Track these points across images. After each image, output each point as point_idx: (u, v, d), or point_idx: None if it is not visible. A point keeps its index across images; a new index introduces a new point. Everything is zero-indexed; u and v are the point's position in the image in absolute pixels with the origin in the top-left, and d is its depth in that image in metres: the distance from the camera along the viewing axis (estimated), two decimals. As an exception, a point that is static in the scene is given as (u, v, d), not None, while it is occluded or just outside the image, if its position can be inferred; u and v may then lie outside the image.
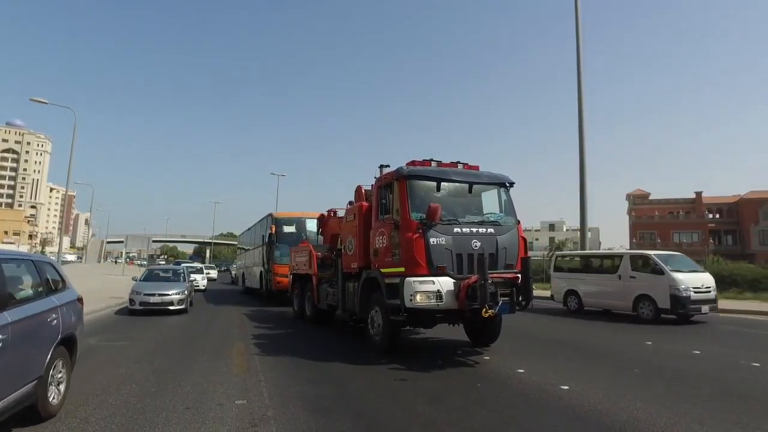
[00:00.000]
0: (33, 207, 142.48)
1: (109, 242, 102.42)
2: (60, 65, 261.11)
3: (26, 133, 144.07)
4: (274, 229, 16.74)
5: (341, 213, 12.19)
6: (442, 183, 7.71)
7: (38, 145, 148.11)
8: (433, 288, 6.92)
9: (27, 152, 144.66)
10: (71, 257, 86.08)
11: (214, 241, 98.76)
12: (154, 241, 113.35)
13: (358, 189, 10.35)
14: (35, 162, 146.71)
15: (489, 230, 7.56)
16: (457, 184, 7.89)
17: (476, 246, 7.34)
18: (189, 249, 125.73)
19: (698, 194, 59.90)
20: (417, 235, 7.09)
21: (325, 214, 13.22)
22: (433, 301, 6.91)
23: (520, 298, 7.18)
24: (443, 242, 7.17)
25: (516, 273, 7.46)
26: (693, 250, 35.32)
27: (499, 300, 6.79)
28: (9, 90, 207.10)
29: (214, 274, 36.07)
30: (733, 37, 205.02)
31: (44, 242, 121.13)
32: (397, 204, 7.51)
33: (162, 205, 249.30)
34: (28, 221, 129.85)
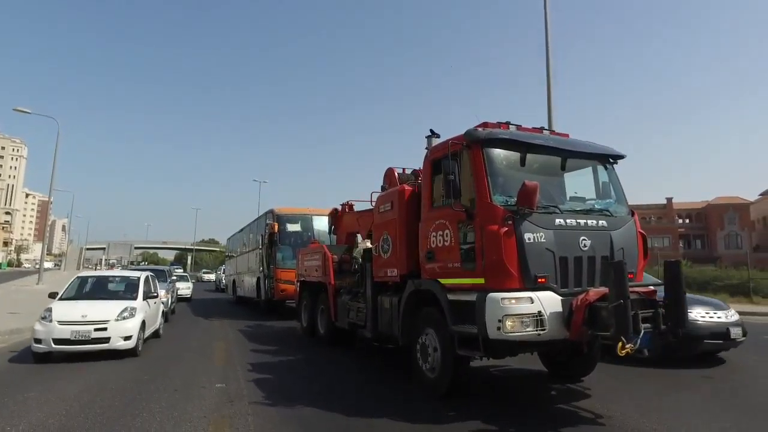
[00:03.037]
0: (8, 213, 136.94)
1: (88, 249, 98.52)
2: (36, 68, 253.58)
3: (1, 138, 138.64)
4: (276, 228, 14.21)
5: (361, 207, 9.90)
6: (528, 156, 5.42)
7: (14, 150, 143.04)
8: (531, 309, 4.63)
9: (2, 157, 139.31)
10: (48, 264, 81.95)
11: (196, 247, 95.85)
12: (135, 248, 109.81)
13: (389, 172, 8.05)
14: (11, 167, 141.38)
15: (600, 222, 5.29)
16: (548, 157, 5.62)
17: (585, 246, 5.07)
18: (170, 255, 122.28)
19: (669, 200, 62.35)
20: (505, 228, 4.79)
21: (339, 208, 10.90)
22: (531, 328, 4.60)
23: (669, 324, 4.74)
24: (543, 240, 4.88)
25: (655, 286, 5.19)
26: (664, 254, 35.53)
27: (641, 328, 4.48)
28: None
29: (187, 290, 21.61)
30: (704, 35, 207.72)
31: (19, 249, 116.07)
32: (470, 183, 5.20)
33: (142, 211, 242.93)
34: (3, 228, 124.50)
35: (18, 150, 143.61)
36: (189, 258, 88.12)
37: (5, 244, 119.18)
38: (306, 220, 14.90)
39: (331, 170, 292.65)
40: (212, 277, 47.07)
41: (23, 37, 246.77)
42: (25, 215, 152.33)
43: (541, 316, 4.62)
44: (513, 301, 4.63)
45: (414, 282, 5.98)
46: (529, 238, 4.83)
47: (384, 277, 6.87)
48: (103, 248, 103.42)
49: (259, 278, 15.60)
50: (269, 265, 14.37)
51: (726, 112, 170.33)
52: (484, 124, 5.64)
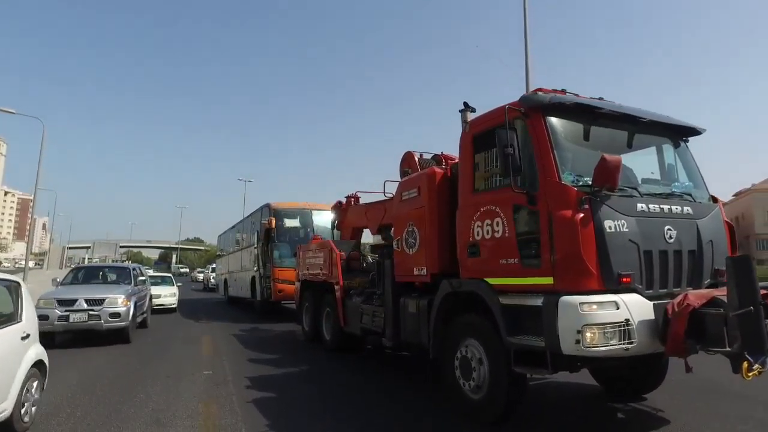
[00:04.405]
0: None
1: (71, 248, 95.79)
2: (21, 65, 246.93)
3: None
4: (273, 223, 13.05)
5: (370, 198, 8.88)
6: (592, 129, 4.43)
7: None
8: (616, 317, 3.64)
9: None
10: (30, 263, 79.27)
11: (181, 246, 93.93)
12: (120, 247, 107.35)
13: (408, 156, 7.03)
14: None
15: (686, 209, 4.32)
16: (613, 130, 4.63)
17: (671, 238, 4.10)
18: (154, 254, 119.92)
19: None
20: (581, 213, 3.79)
21: (343, 201, 9.82)
22: (616, 341, 3.61)
23: None
24: (625, 229, 3.89)
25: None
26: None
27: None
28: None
29: (170, 297, 15.90)
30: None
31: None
32: (530, 158, 4.18)
33: (126, 210, 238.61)
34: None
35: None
36: (174, 257, 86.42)
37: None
38: (305, 215, 13.80)
39: (319, 169, 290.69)
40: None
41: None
42: (3, 213, 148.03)
43: (628, 325, 3.63)
44: (594, 306, 3.63)
45: (451, 282, 4.95)
46: (609, 227, 3.83)
47: (409, 277, 5.83)
48: (87, 247, 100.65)
49: (254, 277, 14.43)
50: (265, 263, 13.22)
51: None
52: (539, 90, 4.63)
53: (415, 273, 5.65)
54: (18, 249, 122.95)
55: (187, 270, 46.62)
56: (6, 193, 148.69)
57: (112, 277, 11.11)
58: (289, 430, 4.50)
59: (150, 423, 4.57)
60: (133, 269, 11.37)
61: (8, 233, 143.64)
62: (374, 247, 9.34)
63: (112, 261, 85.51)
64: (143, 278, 11.26)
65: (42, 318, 7.61)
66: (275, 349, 8.81)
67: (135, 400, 5.32)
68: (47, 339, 7.56)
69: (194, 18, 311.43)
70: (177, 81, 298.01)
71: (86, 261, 56.47)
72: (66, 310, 8.48)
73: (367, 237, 9.83)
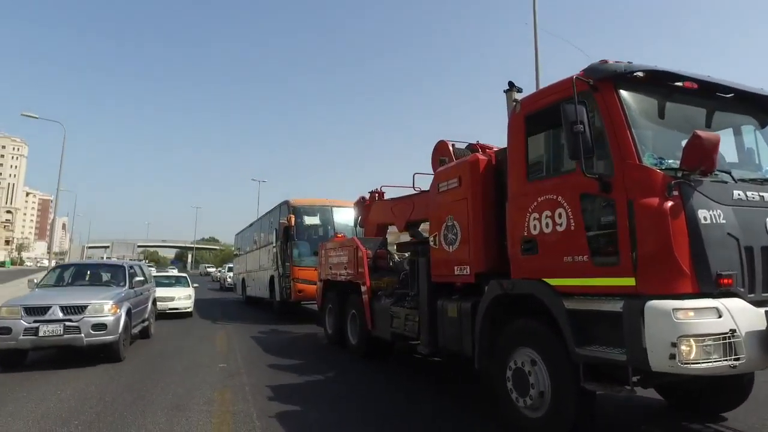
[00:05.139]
0: (8, 212, 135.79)
1: (90, 247, 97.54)
2: (41, 68, 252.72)
3: (2, 137, 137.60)
4: (292, 221, 12.55)
5: (396, 193, 8.32)
6: (668, 105, 3.79)
7: (14, 149, 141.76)
8: (719, 326, 3.01)
9: (2, 156, 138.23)
10: (51, 262, 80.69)
11: (196, 245, 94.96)
12: (138, 246, 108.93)
13: (442, 146, 6.47)
14: (11, 166, 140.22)
15: None
16: (690, 108, 3.97)
17: None
18: (170, 254, 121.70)
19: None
20: (670, 202, 3.17)
21: (366, 197, 9.29)
22: (719, 356, 2.98)
23: None
24: (722, 220, 3.25)
25: None
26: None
27: None
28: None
29: (185, 300, 13.97)
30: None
31: (20, 247, 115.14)
32: (600, 138, 3.55)
33: (142, 210, 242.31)
34: (5, 226, 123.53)
35: (18, 149, 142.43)
36: (189, 256, 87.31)
37: (7, 242, 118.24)
38: (325, 212, 13.27)
39: (334, 172, 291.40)
40: (213, 269, 51.85)
41: (24, 36, 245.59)
42: (25, 214, 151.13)
43: (734, 337, 3.00)
44: (691, 313, 3.01)
45: (502, 283, 4.34)
46: (704, 217, 3.20)
47: (448, 277, 5.26)
48: (106, 246, 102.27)
49: (272, 277, 13.97)
50: (284, 262, 12.73)
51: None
52: (604, 62, 4.00)
53: (456, 272, 5.07)
54: (39, 248, 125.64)
55: (214, 269, 47.79)
56: (27, 194, 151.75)
57: (103, 277, 8.96)
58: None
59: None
60: (130, 267, 9.14)
61: (30, 233, 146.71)
62: (399, 246, 8.79)
63: (130, 260, 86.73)
64: (141, 278, 9.12)
65: (2, 332, 6.44)
66: (297, 353, 8.30)
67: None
68: (17, 357, 6.61)
69: (219, 34, 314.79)
70: (198, 76, 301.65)
71: (104, 259, 56.71)
72: (35, 321, 6.56)
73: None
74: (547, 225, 3.92)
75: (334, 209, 13.20)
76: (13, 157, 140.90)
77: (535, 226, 4.02)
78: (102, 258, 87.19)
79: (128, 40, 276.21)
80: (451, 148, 6.41)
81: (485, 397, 5.18)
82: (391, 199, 8.59)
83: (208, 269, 57.97)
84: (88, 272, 9.05)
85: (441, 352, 5.51)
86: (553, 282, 3.82)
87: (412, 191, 7.56)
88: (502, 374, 4.28)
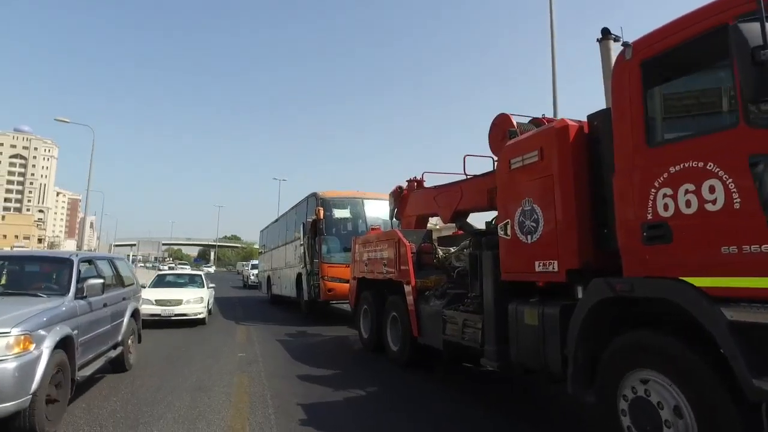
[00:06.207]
0: (40, 211, 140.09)
1: (117, 245, 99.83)
2: (70, 75, 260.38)
3: (33, 139, 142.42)
4: (321, 214, 11.59)
5: (434, 182, 7.35)
6: None
7: (45, 150, 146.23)
8: None
9: (34, 157, 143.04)
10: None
11: (219, 243, 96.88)
12: (163, 244, 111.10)
13: (504, 119, 5.43)
14: (42, 167, 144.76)
15: None
16: None
17: None
18: (193, 252, 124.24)
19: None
20: None
21: (404, 186, 8.33)
22: None
23: None
24: None
25: None
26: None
27: None
28: (11, 95, 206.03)
29: (195, 304, 11.11)
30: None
31: (51, 246, 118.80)
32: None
33: (166, 208, 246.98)
34: (38, 225, 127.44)
35: (49, 150, 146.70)
36: (212, 254, 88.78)
37: (39, 240, 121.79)
38: (356, 205, 12.28)
39: (355, 169, 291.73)
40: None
41: (50, 35, 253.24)
42: (56, 213, 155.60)
43: None
44: None
45: (614, 283, 3.29)
46: None
47: (525, 274, 4.23)
48: (133, 245, 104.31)
49: (299, 274, 13.07)
50: (313, 258, 11.82)
51: None
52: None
53: (538, 269, 4.04)
54: (69, 246, 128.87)
55: (248, 267, 37.69)
56: (57, 194, 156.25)
57: (33, 280, 5.22)
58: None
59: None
60: (80, 262, 5.20)
61: (60, 231, 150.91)
62: (442, 240, 7.81)
63: (154, 258, 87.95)
64: (99, 282, 5.01)
65: None
66: (329, 361, 7.33)
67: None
68: None
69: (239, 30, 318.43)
70: (217, 84, 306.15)
71: (130, 257, 51.15)
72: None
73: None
74: (687, 203, 2.85)
75: (366, 201, 12.23)
76: (44, 159, 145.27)
77: (666, 205, 2.97)
78: (128, 256, 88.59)
79: (155, 34, 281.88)
80: (515, 122, 5.38)
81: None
82: (435, 186, 7.59)
83: (244, 266, 42.92)
84: (5, 271, 5.35)
85: (513, 367, 4.49)
86: (700, 282, 2.76)
87: (454, 178, 6.61)
88: (612, 403, 3.23)
